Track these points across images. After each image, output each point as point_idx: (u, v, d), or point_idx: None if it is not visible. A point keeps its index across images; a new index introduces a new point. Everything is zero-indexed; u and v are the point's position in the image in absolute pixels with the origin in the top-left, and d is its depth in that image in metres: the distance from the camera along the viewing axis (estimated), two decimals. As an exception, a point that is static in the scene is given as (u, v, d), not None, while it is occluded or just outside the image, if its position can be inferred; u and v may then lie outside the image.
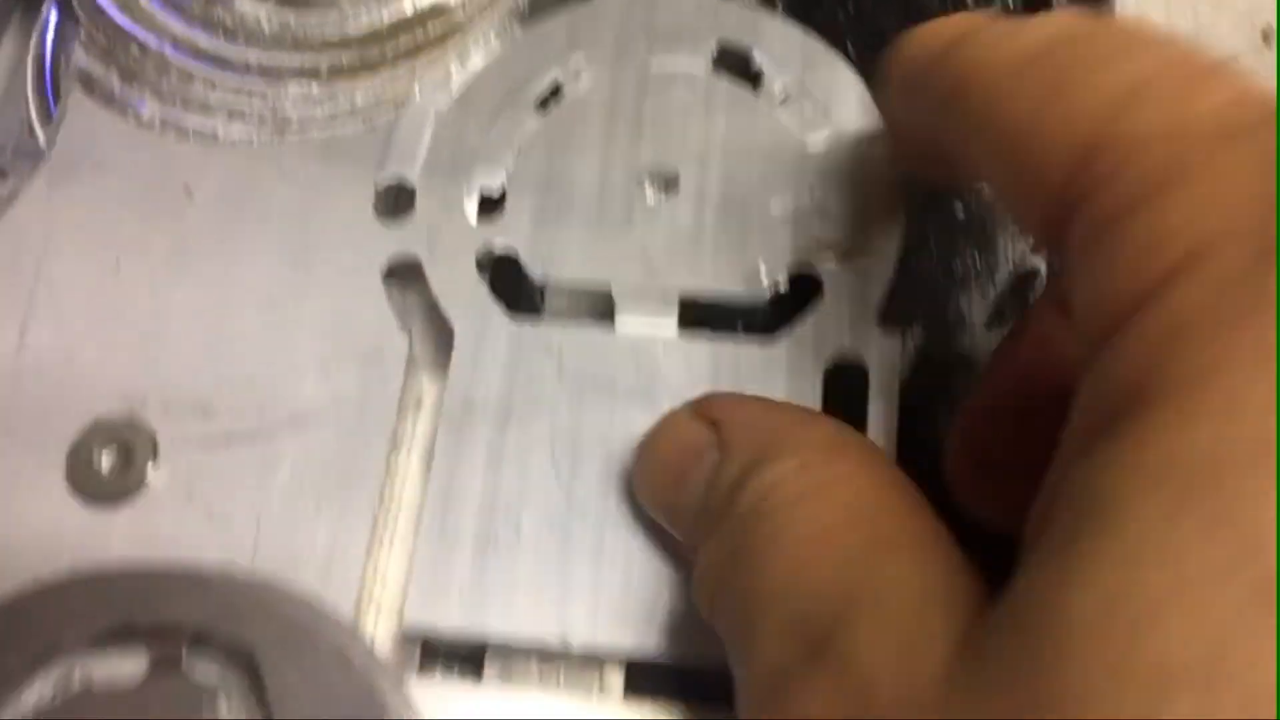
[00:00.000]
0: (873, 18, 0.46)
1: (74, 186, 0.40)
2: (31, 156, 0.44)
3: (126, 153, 0.41)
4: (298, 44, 0.43)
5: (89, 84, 0.42)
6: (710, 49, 0.41)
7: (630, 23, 0.42)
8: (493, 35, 0.43)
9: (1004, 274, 0.42)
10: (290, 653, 0.29)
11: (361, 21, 0.43)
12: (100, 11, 0.44)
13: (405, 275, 0.39)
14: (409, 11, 0.43)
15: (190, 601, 0.31)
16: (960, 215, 0.43)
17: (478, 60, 0.43)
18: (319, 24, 0.43)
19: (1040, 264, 0.43)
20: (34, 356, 0.38)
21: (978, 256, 0.42)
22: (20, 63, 0.46)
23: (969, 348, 0.41)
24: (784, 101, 0.40)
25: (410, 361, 0.38)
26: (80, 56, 0.43)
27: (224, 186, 0.40)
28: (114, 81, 0.42)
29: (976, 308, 0.41)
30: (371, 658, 0.31)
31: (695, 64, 0.41)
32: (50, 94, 0.45)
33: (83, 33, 0.43)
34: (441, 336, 0.39)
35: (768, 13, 0.42)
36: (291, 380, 0.37)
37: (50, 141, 0.43)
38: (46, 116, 0.45)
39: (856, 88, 0.40)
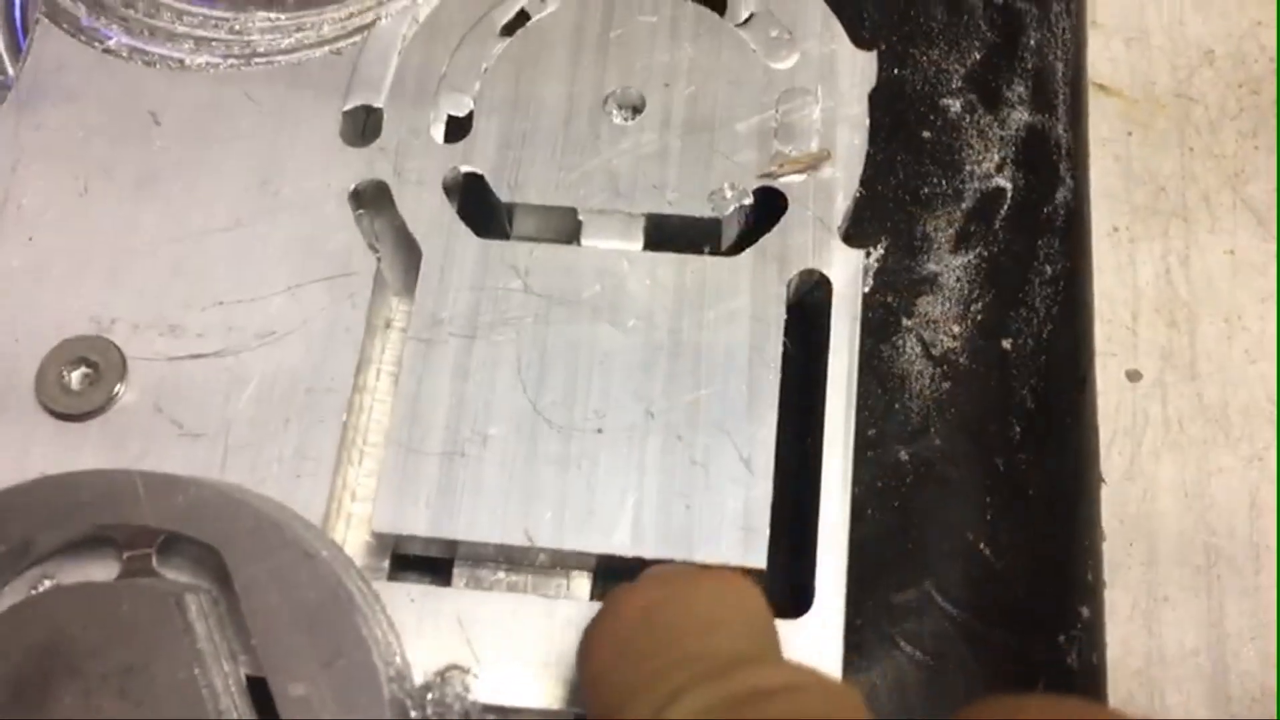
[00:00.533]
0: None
1: (42, 113, 0.40)
2: (1, 90, 0.44)
3: (94, 80, 0.41)
4: (265, -24, 0.43)
5: (55, 14, 0.42)
6: (676, -28, 0.41)
7: (595, -56, 0.42)
8: (460, -35, 0.43)
9: (970, 194, 0.43)
10: (257, 549, 0.29)
11: (329, -49, 0.43)
12: (68, -52, 0.44)
13: (373, 199, 0.40)
14: (377, -59, 0.44)
15: (159, 505, 0.31)
16: (925, 136, 0.43)
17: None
18: (287, -44, 0.43)
19: (1006, 184, 0.43)
20: (3, 279, 0.38)
21: (943, 179, 0.43)
22: (-11, -1, 0.46)
23: (934, 270, 0.41)
24: (748, 22, 0.41)
25: (379, 283, 0.38)
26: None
27: (190, 112, 0.40)
28: (81, 12, 0.42)
29: (942, 231, 0.42)
30: (338, 551, 0.31)
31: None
32: (19, 28, 0.45)
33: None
34: (410, 258, 0.39)
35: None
36: (259, 300, 0.37)
37: (18, 72, 0.43)
38: (15, 51, 0.45)
39: (821, 10, 0.40)
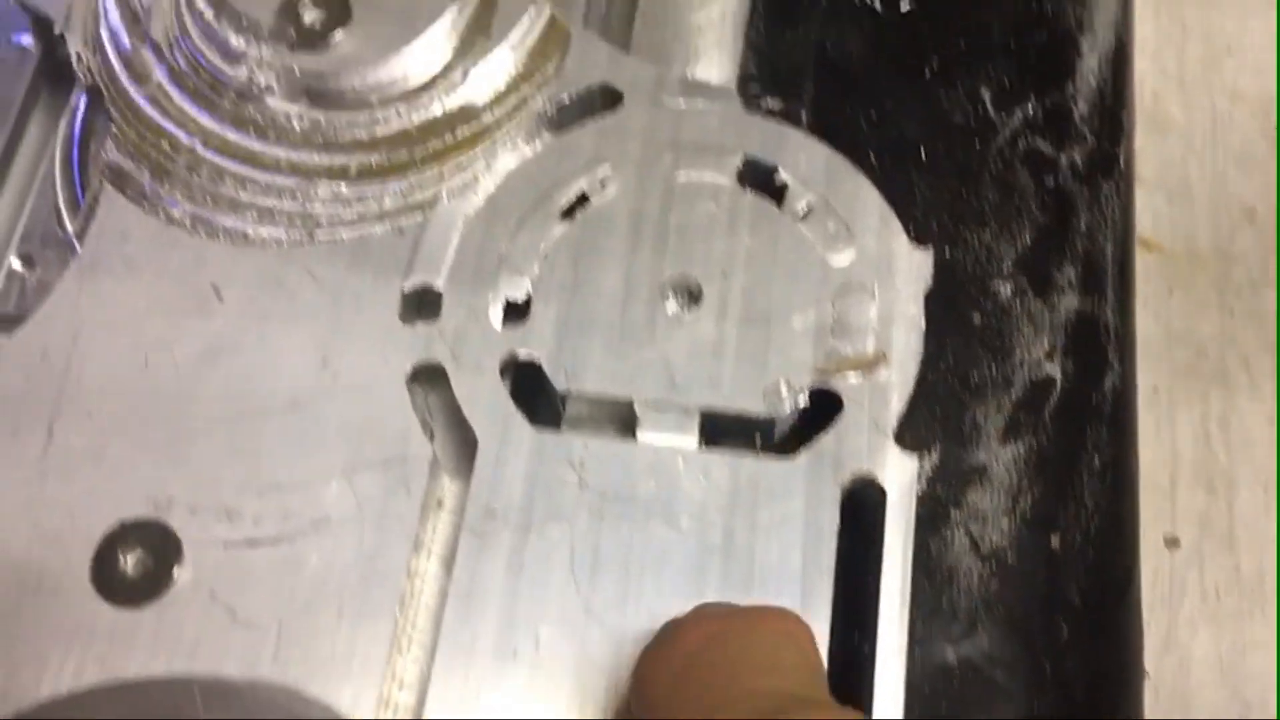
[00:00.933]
0: (895, 124, 0.47)
1: (104, 283, 0.41)
2: (59, 246, 0.45)
3: (157, 250, 0.41)
4: (327, 144, 0.44)
5: (120, 179, 0.43)
6: (735, 163, 0.42)
7: (657, 134, 0.42)
8: (520, 140, 0.44)
9: (1019, 382, 0.43)
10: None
11: (391, 123, 0.44)
12: (133, 105, 0.44)
13: (430, 379, 0.40)
14: (438, 113, 0.44)
15: (217, 712, 0.31)
16: (976, 321, 0.44)
17: (505, 164, 0.43)
18: (349, 124, 0.44)
19: (1055, 371, 0.43)
20: (61, 456, 0.38)
21: (993, 365, 0.43)
22: (46, 146, 0.47)
23: (983, 460, 0.41)
24: (807, 216, 0.41)
25: (432, 463, 0.38)
26: (111, 150, 0.43)
27: (253, 288, 0.41)
28: (145, 178, 0.43)
29: (992, 420, 0.42)
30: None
31: (721, 177, 0.42)
32: (78, 182, 0.46)
33: (114, 126, 0.44)
34: (464, 439, 0.39)
35: (793, 128, 0.43)
36: (315, 485, 0.38)
37: (79, 233, 0.44)
38: (74, 205, 0.45)
39: (878, 206, 0.41)
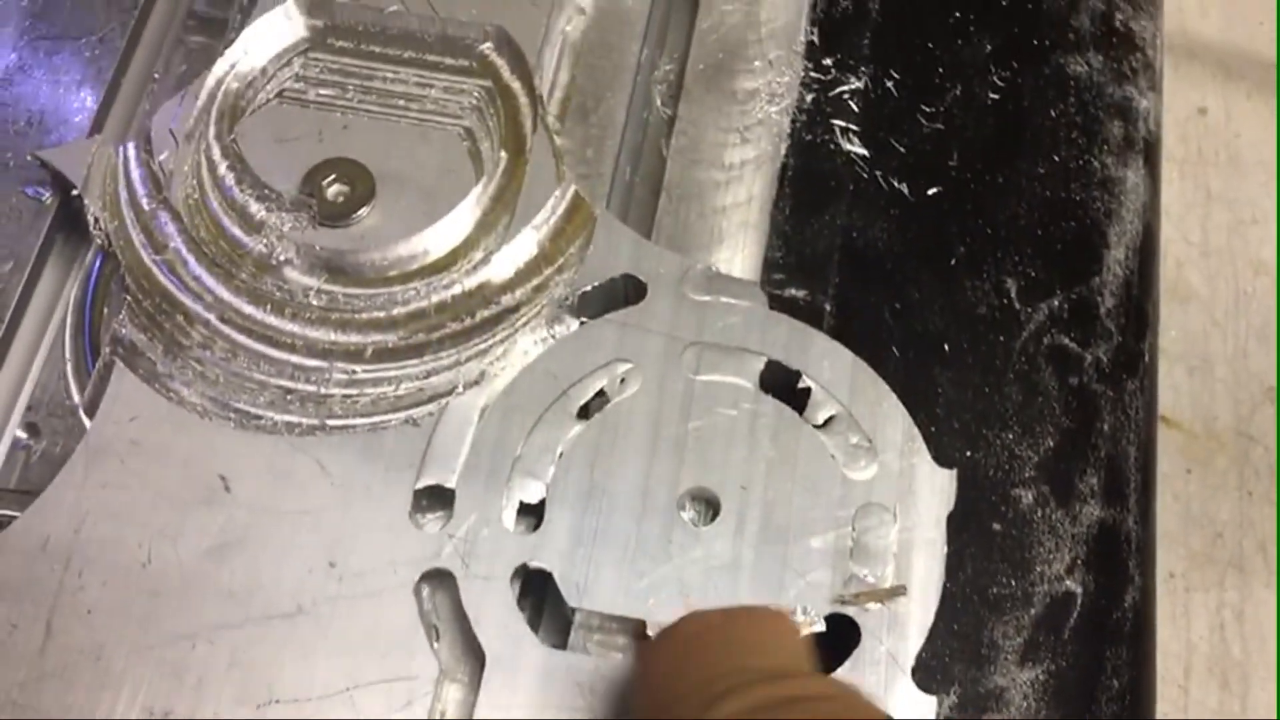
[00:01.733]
0: (919, 315, 0.46)
1: (110, 468, 0.40)
2: (65, 414, 0.44)
3: (166, 433, 0.41)
4: (344, 323, 0.43)
5: (131, 355, 0.42)
6: (758, 366, 0.41)
7: (679, 331, 0.42)
8: (540, 326, 0.43)
9: (1039, 598, 0.42)
10: None
11: (410, 302, 0.43)
12: (148, 273, 0.44)
13: (439, 584, 0.39)
14: (457, 292, 0.44)
15: None
16: (996, 529, 0.43)
17: (524, 351, 0.43)
18: (367, 302, 0.43)
19: (1076, 587, 0.42)
20: (60, 655, 0.37)
21: (1013, 579, 0.42)
22: (56, 306, 0.46)
23: (1000, 684, 0.40)
24: (828, 425, 0.40)
25: (437, 680, 0.37)
26: (124, 323, 0.43)
27: (262, 479, 0.40)
28: (158, 353, 0.42)
29: (1010, 640, 0.41)
30: None
31: (742, 380, 0.41)
32: (88, 348, 0.45)
33: (128, 296, 0.43)
34: (469, 648, 0.38)
35: (817, 333, 0.42)
36: (316, 701, 0.37)
37: (87, 405, 0.43)
38: (82, 371, 0.45)
39: (903, 420, 0.40)
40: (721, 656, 0.32)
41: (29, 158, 0.46)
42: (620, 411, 0.41)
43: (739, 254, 0.46)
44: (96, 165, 0.45)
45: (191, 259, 0.44)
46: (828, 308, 0.45)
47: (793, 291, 0.46)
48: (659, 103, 0.50)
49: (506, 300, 0.44)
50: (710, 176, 0.47)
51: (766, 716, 0.29)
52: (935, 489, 0.39)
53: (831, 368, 0.41)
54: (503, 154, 0.46)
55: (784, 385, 0.41)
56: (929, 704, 0.36)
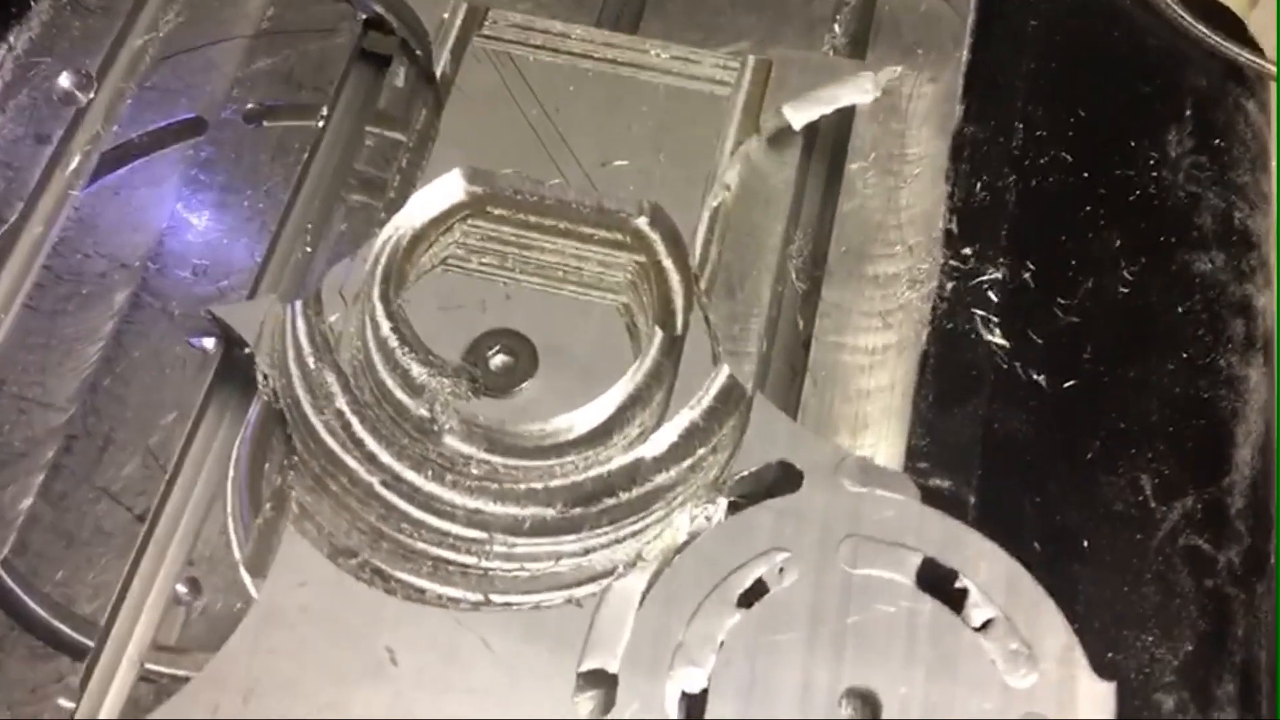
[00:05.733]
0: (1058, 510, 0.47)
1: (279, 636, 0.40)
2: (226, 569, 0.45)
3: (334, 601, 0.41)
4: (503, 494, 0.44)
5: (301, 518, 0.43)
6: (915, 562, 0.42)
7: (835, 523, 0.43)
8: (695, 506, 0.44)
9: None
10: None
11: (567, 475, 0.44)
12: (314, 433, 0.45)
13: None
14: (613, 468, 0.44)
15: None
16: None
17: (679, 532, 0.43)
18: (524, 474, 0.44)
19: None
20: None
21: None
22: (218, 459, 0.47)
23: None
24: (986, 627, 0.41)
25: None
26: (294, 484, 0.44)
27: (427, 653, 0.40)
28: (325, 516, 0.43)
29: None
30: None
31: (899, 575, 0.42)
32: (248, 503, 0.46)
33: (296, 457, 0.44)
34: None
35: (972, 532, 0.43)
36: None
37: (248, 562, 0.44)
38: (244, 527, 0.45)
39: (1063, 630, 0.41)
40: None
41: (203, 314, 0.47)
42: (779, 602, 0.41)
43: (883, 441, 0.47)
44: (268, 323, 0.46)
45: (355, 421, 0.45)
46: (971, 499, 0.46)
47: (936, 481, 0.47)
48: (801, 282, 0.51)
49: (661, 479, 0.44)
50: (854, 360, 0.49)
51: None
52: (1096, 702, 0.40)
53: (988, 569, 0.42)
54: (658, 331, 0.47)
55: (940, 581, 0.42)
56: None
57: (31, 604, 0.43)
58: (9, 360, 0.47)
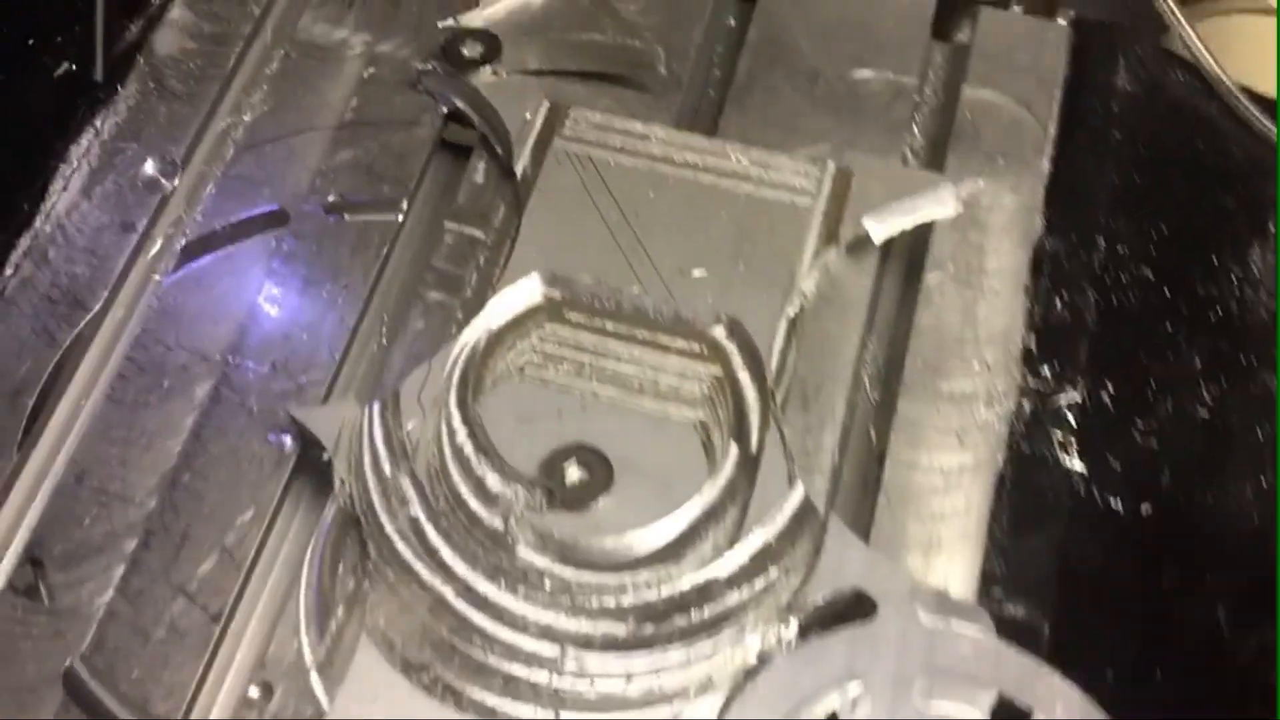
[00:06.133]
0: (1132, 642, 0.46)
1: (350, 750, 0.41)
2: (297, 675, 0.45)
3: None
4: (575, 608, 0.44)
5: (374, 629, 0.43)
6: (989, 699, 0.41)
7: (908, 655, 0.42)
8: (766, 631, 0.44)
9: None
10: None
11: (639, 592, 0.44)
12: (389, 540, 0.45)
13: None
14: (685, 587, 0.44)
15: None
16: None
17: (751, 655, 0.43)
18: (596, 588, 0.44)
19: None
20: None
21: None
22: (291, 560, 0.47)
23: None
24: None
25: None
26: (366, 591, 0.44)
27: (499, 778, 0.40)
28: (397, 622, 0.43)
29: None
30: None
31: (975, 711, 0.41)
32: (317, 603, 0.46)
33: (370, 564, 0.45)
34: None
35: (1049, 670, 0.42)
36: None
37: (320, 665, 0.44)
38: (316, 629, 0.46)
39: (1138, 780, 0.40)
40: None
41: (282, 414, 0.47)
42: (852, 736, 0.41)
43: (956, 566, 0.47)
44: (345, 429, 0.47)
45: (430, 528, 0.45)
46: (1045, 628, 0.46)
47: (1010, 609, 0.46)
48: (876, 394, 0.51)
49: (732, 599, 0.44)
50: (929, 480, 0.48)
51: None
52: None
53: (1064, 709, 0.41)
54: (733, 447, 0.47)
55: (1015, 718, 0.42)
56: None
57: (108, 702, 0.44)
58: (90, 452, 0.48)
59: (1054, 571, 0.47)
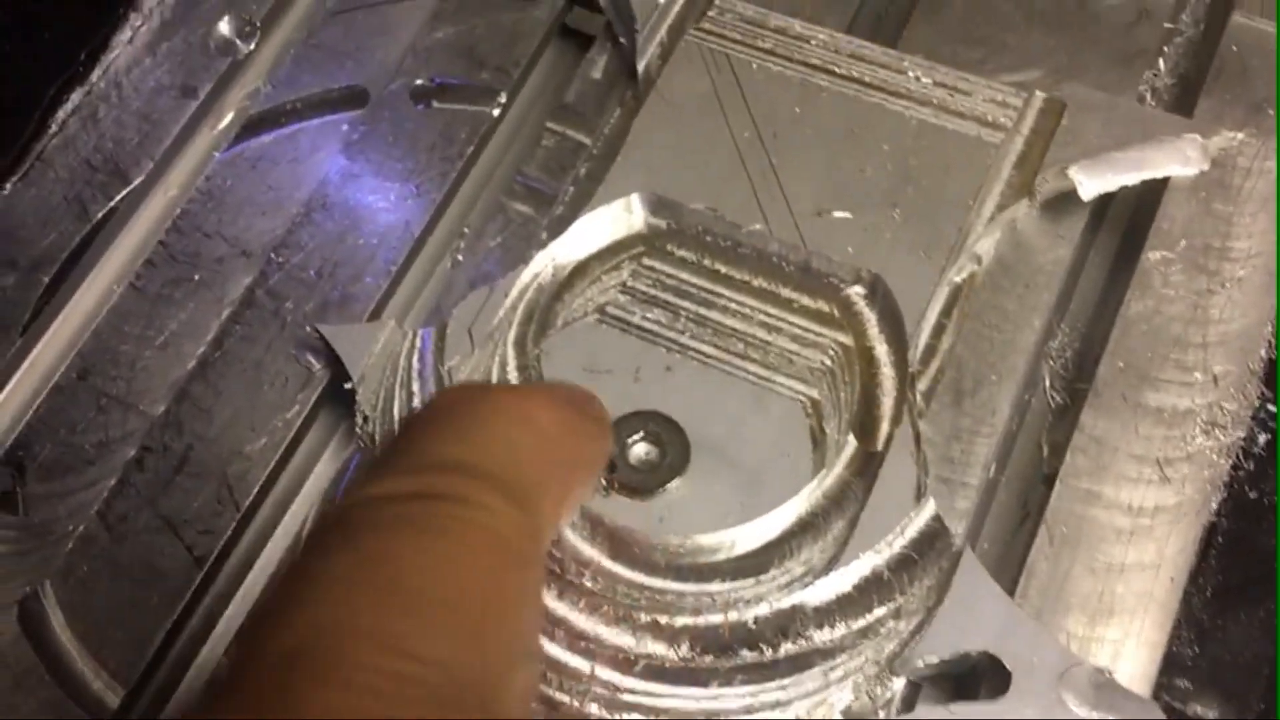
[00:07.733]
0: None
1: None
2: None
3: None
4: (617, 618, 0.35)
5: None
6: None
7: (1046, 757, 0.31)
8: (858, 686, 0.34)
9: None
10: None
11: (701, 611, 0.35)
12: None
13: None
14: (763, 611, 0.35)
15: None
16: None
17: (834, 711, 0.33)
18: (649, 598, 0.35)
19: None
20: None
21: None
22: (301, 504, 0.40)
23: None
24: None
25: None
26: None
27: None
28: None
29: None
30: None
31: None
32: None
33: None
34: None
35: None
36: None
37: None
38: None
39: None
40: (431, 435, 0.28)
41: (309, 329, 0.39)
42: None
43: (1131, 638, 0.35)
44: (379, 354, 0.38)
45: (458, 492, 0.36)
46: (1237, 737, 0.34)
47: (1198, 709, 0.34)
48: (1056, 396, 0.40)
49: (821, 639, 0.34)
50: (1110, 519, 0.36)
51: (375, 512, 0.26)
52: None
53: None
54: (851, 440, 0.36)
55: None
56: None
57: (63, 641, 0.37)
58: (99, 347, 0.41)
59: (1264, 664, 0.35)
